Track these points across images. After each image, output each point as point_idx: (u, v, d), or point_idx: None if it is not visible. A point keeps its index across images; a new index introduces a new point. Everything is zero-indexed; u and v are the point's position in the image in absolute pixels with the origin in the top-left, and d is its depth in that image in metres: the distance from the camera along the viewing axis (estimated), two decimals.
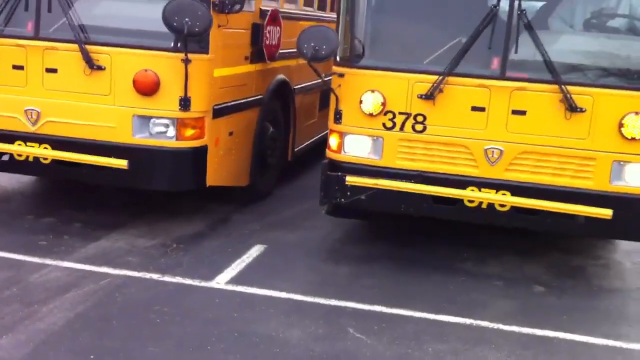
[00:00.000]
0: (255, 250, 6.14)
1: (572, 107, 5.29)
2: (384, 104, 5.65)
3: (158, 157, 5.90)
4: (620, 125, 5.26)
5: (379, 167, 5.74)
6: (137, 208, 6.99)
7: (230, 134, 6.52)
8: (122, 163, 5.83)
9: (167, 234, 6.36)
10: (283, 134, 7.87)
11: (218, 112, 6.18)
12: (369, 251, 6.32)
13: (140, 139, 5.88)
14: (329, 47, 5.44)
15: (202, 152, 6.05)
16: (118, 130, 5.90)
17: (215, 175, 6.32)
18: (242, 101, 6.67)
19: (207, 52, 5.88)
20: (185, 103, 5.79)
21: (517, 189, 5.48)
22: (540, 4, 6.63)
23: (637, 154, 5.30)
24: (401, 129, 5.66)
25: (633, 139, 5.25)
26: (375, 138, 5.74)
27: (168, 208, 7.08)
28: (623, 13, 5.79)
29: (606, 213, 5.26)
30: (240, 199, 7.30)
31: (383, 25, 6.24)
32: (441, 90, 5.52)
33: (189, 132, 5.91)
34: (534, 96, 5.40)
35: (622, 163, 5.34)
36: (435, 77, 5.49)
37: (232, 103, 6.46)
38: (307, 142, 8.80)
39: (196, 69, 5.77)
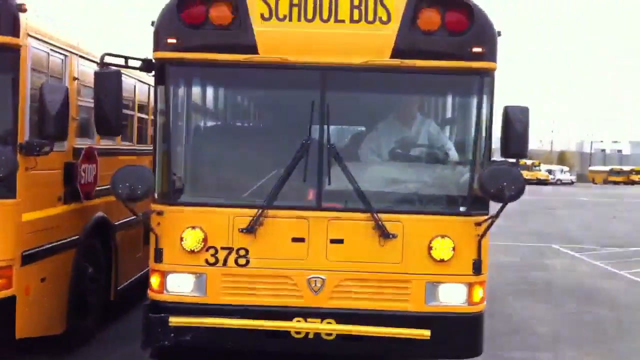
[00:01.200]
0: None
1: (384, 234, 5.55)
2: (205, 240, 5.61)
3: None
4: (430, 248, 5.58)
5: (203, 304, 5.61)
6: None
7: (43, 279, 6.11)
8: None
9: None
10: (104, 273, 7.51)
11: (28, 259, 5.80)
12: None
13: None
14: (145, 186, 5.34)
15: (9, 303, 5.59)
16: None
17: (26, 326, 5.84)
18: (56, 244, 6.32)
19: (14, 197, 5.58)
20: None
21: (341, 317, 5.56)
22: (351, 134, 7.09)
23: (447, 274, 5.62)
24: (224, 264, 5.62)
25: (442, 260, 5.58)
26: (198, 275, 5.64)
27: None
28: (423, 142, 6.28)
29: (424, 334, 5.46)
30: (57, 348, 6.75)
31: (201, 160, 6.33)
32: (261, 224, 5.59)
33: None
34: (349, 224, 5.62)
35: (434, 284, 5.62)
36: (255, 211, 5.56)
37: (45, 247, 6.10)
38: (133, 278, 8.47)
39: (2, 214, 5.44)
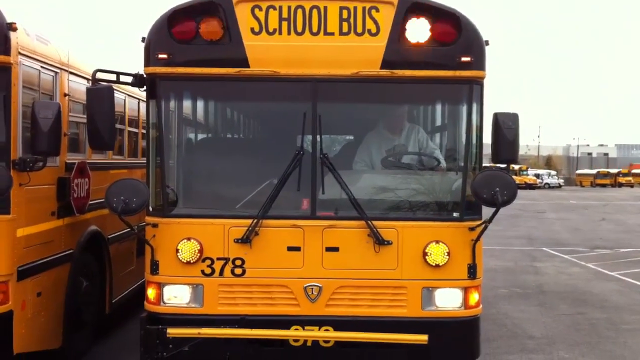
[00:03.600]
0: None
1: (379, 240, 5.58)
2: (201, 251, 5.63)
3: None
4: (425, 254, 5.62)
5: (201, 315, 5.64)
6: None
7: (39, 294, 6.11)
8: None
9: None
10: (99, 287, 7.51)
11: (23, 274, 5.81)
12: None
13: None
14: (140, 199, 5.37)
15: (6, 318, 5.59)
16: None
17: (24, 341, 5.84)
18: (51, 258, 6.32)
19: (8, 213, 5.59)
20: None
21: (339, 324, 5.59)
22: (343, 144, 7.14)
23: (443, 279, 5.66)
24: (220, 274, 5.64)
25: (437, 265, 5.62)
26: (194, 286, 5.66)
27: None
28: (415, 150, 6.34)
29: (422, 339, 5.48)
30: None
31: (194, 172, 6.37)
32: (257, 233, 5.62)
33: None
34: (344, 232, 5.66)
35: (430, 289, 5.67)
36: (250, 221, 5.59)
37: (39, 262, 6.10)
38: (127, 291, 8.47)
39: None
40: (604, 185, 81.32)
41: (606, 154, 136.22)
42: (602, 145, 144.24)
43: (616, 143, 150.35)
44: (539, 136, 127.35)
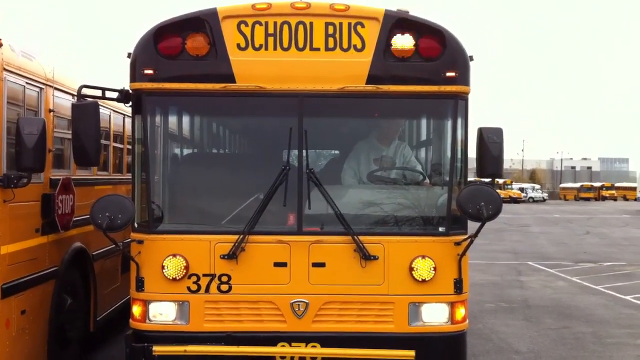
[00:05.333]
0: None
1: (365, 256, 5.58)
2: (187, 268, 5.60)
3: None
4: (411, 269, 5.63)
5: (187, 332, 5.61)
6: None
7: (23, 312, 6.03)
8: None
9: None
10: (84, 304, 7.43)
11: (7, 291, 5.72)
12: None
13: None
14: (125, 216, 5.34)
15: None
16: None
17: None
18: (35, 276, 6.24)
19: None
20: None
21: (326, 340, 5.57)
22: (329, 159, 7.15)
23: (429, 294, 5.66)
24: (207, 290, 5.61)
25: (423, 280, 5.63)
26: (180, 303, 5.63)
27: None
28: (400, 165, 6.36)
29: (409, 354, 5.47)
30: None
31: (180, 188, 6.34)
32: (243, 249, 5.60)
33: None
34: (330, 248, 5.65)
35: (417, 304, 5.66)
36: (236, 237, 5.57)
37: (24, 279, 6.02)
38: (112, 308, 8.38)
39: None
40: (587, 199, 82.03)
41: (589, 168, 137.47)
42: (585, 159, 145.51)
43: (599, 157, 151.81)
44: (523, 150, 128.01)
